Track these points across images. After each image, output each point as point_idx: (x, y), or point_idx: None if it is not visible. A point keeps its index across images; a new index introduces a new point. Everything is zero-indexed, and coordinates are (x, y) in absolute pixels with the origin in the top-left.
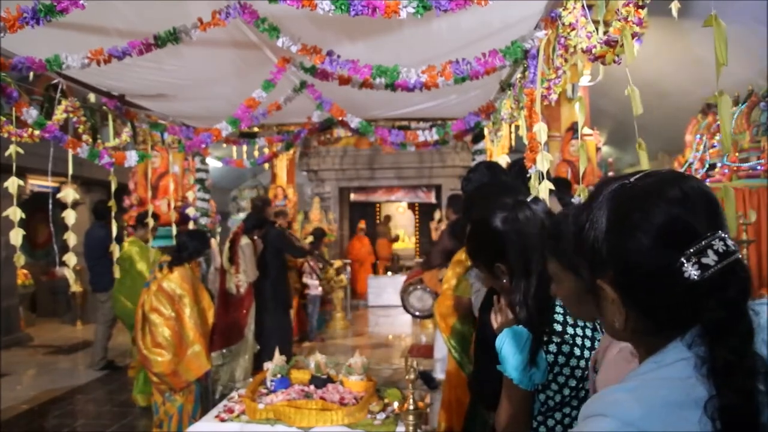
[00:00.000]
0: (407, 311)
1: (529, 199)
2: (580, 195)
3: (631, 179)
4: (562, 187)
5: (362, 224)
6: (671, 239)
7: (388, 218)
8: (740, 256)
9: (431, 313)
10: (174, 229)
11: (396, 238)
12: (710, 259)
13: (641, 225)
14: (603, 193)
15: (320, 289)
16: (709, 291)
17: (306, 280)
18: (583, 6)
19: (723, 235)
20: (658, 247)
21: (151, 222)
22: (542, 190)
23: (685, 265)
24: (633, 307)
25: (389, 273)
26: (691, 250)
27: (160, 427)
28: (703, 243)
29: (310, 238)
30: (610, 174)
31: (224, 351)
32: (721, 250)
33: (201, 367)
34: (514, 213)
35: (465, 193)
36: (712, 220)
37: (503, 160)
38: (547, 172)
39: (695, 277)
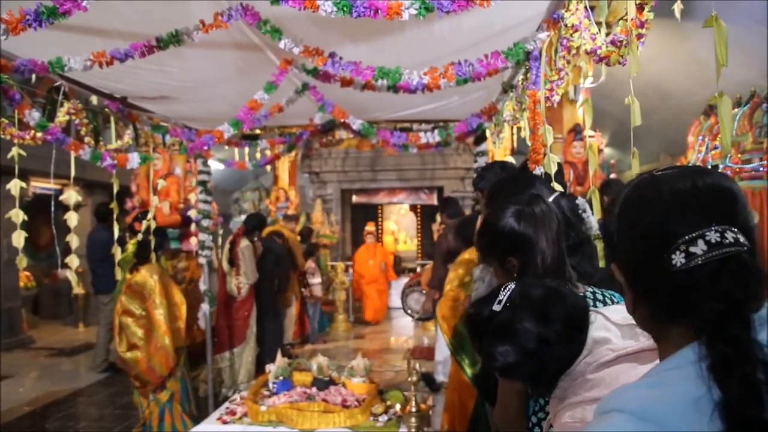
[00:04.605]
0: (406, 313)
1: (555, 196)
2: (590, 197)
3: (658, 171)
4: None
5: (371, 226)
6: (667, 228)
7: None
8: (743, 250)
9: (428, 316)
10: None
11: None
12: (698, 248)
13: (643, 211)
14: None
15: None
16: (703, 282)
17: (309, 280)
18: (585, 7)
19: (724, 228)
20: (654, 235)
21: (152, 224)
22: None
23: (675, 253)
24: (637, 292)
25: None
26: (683, 239)
27: (143, 427)
28: (695, 233)
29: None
30: (612, 176)
31: (228, 353)
32: (713, 241)
33: (168, 360)
34: (529, 207)
35: (477, 189)
36: (719, 214)
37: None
38: (557, 173)
39: (680, 266)
